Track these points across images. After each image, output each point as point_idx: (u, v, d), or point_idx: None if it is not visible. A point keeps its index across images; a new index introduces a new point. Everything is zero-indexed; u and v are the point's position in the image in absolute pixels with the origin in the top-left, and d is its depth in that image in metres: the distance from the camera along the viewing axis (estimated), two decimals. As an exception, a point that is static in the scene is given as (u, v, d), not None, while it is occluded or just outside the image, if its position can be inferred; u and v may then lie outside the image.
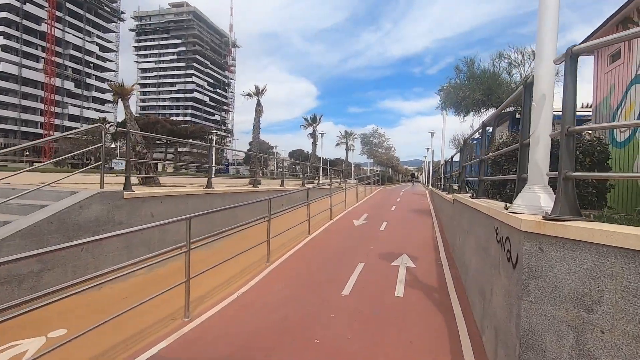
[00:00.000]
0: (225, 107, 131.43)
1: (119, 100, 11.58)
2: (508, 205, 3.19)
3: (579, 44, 2.37)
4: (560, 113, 2.38)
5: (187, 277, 4.31)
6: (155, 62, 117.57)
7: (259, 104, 20.67)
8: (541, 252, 2.31)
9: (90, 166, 15.64)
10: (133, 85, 13.00)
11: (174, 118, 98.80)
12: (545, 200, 2.70)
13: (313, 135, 31.36)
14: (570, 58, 2.36)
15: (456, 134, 35.26)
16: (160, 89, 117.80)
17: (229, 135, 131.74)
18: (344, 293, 5.23)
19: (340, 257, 7.22)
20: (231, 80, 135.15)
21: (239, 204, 6.49)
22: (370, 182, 23.47)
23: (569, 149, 2.38)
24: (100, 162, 6.17)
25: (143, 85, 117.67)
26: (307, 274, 6.22)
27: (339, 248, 7.94)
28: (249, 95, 20.71)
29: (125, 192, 6.08)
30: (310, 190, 15.63)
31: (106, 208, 5.70)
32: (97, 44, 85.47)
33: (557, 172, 2.42)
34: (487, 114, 12.20)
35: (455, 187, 10.29)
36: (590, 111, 13.88)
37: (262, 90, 20.75)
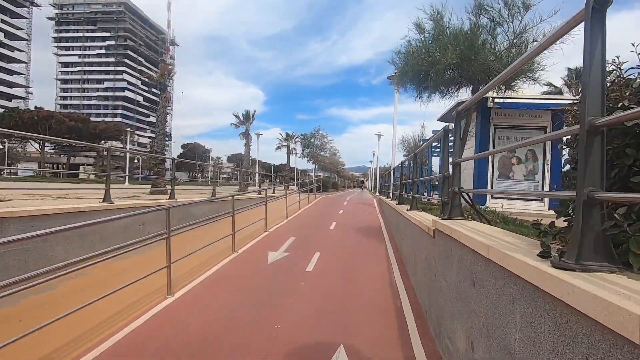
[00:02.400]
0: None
1: None
2: None
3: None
4: None
5: None
6: (80, 55, 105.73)
7: (164, 89, 16.02)
8: None
9: None
10: None
11: (103, 118, 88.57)
12: None
13: (246, 135, 26.88)
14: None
15: (405, 135, 32.64)
16: (86, 85, 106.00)
17: (167, 138, 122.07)
18: None
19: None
20: (169, 80, 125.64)
21: None
22: (307, 190, 19.55)
23: None
24: None
25: (64, 81, 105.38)
26: None
27: (213, 334, 3.81)
28: (149, 78, 15.93)
29: None
30: (220, 203, 11.40)
31: None
32: (2, 30, 73.55)
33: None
34: (456, 97, 8.84)
35: (424, 199, 6.69)
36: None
37: (170, 73, 16.09)
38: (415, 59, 7.18)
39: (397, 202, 9.35)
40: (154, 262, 5.04)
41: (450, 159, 3.77)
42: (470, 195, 3.95)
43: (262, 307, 4.54)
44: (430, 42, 7.43)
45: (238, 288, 5.32)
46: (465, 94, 9.07)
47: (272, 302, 4.71)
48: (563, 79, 29.39)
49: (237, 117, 27.03)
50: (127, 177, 25.40)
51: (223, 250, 7.23)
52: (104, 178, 7.45)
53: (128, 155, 40.44)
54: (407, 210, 6.68)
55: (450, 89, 8.40)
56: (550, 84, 29.07)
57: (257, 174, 29.71)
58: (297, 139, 39.19)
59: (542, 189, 10.78)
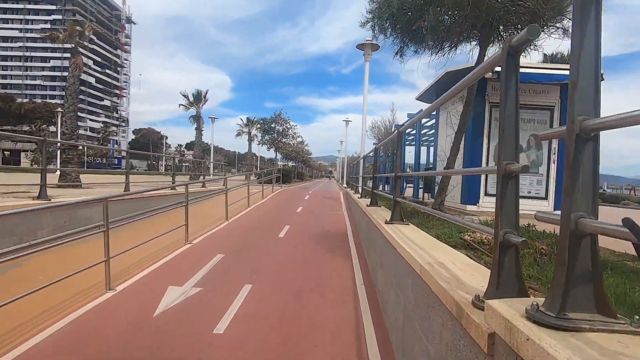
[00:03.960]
0: (117, 92, 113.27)
1: None
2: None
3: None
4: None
5: None
6: (21, 30, 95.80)
7: (74, 53, 12.59)
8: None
9: None
10: None
11: (49, 100, 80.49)
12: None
13: (197, 118, 23.48)
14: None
15: (375, 121, 30.22)
16: (29, 63, 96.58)
17: (123, 123, 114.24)
18: None
19: None
20: (125, 61, 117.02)
21: None
22: (262, 182, 16.65)
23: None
24: None
25: (3, 58, 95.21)
26: None
27: None
28: (52, 38, 12.43)
29: None
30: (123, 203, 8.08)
31: None
32: None
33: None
34: (450, 59, 6.37)
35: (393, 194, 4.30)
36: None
37: (82, 31, 12.61)
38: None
39: (368, 203, 6.83)
40: None
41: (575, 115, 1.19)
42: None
43: None
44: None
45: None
46: (460, 57, 6.65)
47: None
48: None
49: (185, 96, 23.44)
50: (58, 167, 21.61)
51: (90, 288, 4.42)
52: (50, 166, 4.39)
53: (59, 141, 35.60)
54: (387, 223, 4.15)
55: (445, 44, 5.91)
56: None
57: (211, 165, 26.46)
58: (258, 125, 35.77)
59: (547, 183, 8.66)
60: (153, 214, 6.60)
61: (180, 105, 23.66)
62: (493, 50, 6.12)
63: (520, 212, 5.96)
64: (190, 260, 5.87)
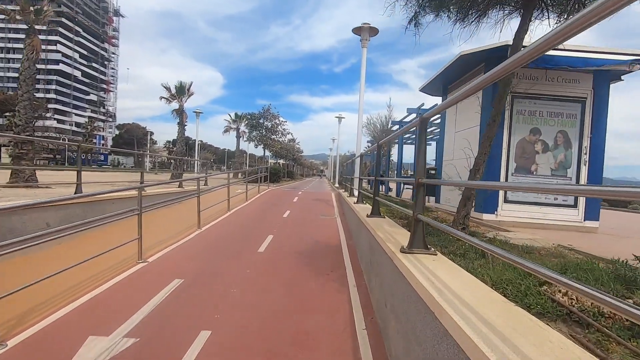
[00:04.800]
0: (104, 86, 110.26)
1: None
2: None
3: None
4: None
5: None
6: (2, 20, 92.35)
7: (32, 32, 11.07)
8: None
9: None
10: None
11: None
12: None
13: (180, 113, 21.84)
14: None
15: (369, 117, 28.66)
16: (11, 55, 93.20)
17: (110, 119, 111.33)
18: None
19: None
20: (113, 55, 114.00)
21: None
22: (246, 182, 15.14)
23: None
24: None
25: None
26: None
27: None
28: (4, 13, 10.89)
29: None
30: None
31: None
32: None
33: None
34: (473, 34, 5.00)
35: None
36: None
37: (40, 9, 11.06)
38: None
39: (368, 213, 5.45)
40: None
41: None
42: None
43: None
44: None
45: None
46: (483, 32, 5.34)
47: None
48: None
49: (167, 89, 21.76)
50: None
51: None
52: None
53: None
54: (403, 252, 2.77)
55: (470, 11, 4.55)
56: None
57: (196, 163, 24.85)
58: (246, 120, 34.05)
59: (577, 189, 7.42)
60: (95, 225, 5.14)
61: (161, 98, 21.99)
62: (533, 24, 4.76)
63: (546, 222, 4.10)
64: (135, 289, 4.43)
